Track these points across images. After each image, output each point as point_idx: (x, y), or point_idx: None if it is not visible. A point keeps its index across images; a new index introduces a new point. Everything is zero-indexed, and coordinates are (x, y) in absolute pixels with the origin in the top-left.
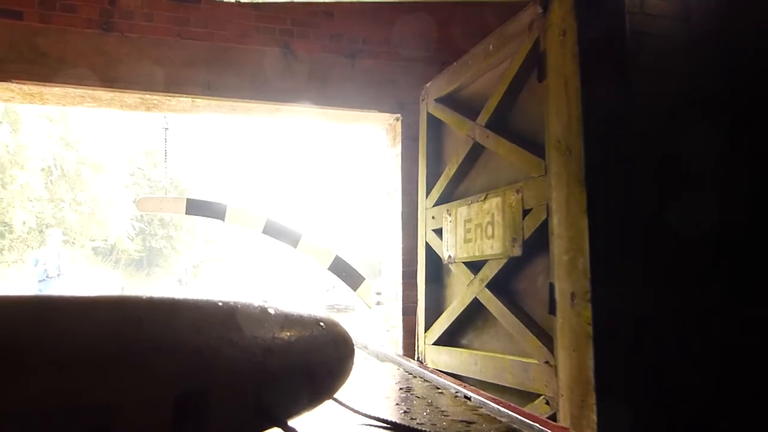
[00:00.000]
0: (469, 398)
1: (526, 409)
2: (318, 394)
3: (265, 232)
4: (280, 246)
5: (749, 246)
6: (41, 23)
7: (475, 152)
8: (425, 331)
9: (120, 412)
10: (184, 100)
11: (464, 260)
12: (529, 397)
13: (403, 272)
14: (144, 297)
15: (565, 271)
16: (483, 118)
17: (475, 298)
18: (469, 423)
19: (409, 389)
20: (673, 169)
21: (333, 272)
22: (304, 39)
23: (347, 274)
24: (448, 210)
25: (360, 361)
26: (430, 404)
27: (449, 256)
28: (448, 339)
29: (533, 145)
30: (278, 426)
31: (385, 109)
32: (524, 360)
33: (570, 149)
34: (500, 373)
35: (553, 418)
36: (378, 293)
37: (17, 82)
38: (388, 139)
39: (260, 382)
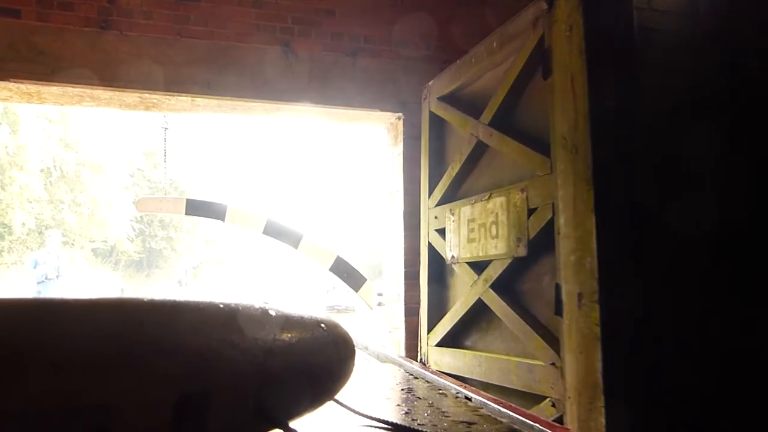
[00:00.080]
0: (470, 399)
1: (531, 412)
2: (319, 396)
3: (265, 232)
4: (281, 247)
5: (751, 245)
6: (39, 21)
7: (479, 151)
8: (428, 333)
9: (121, 414)
10: (184, 100)
11: (468, 260)
12: (534, 399)
13: (406, 273)
14: (145, 299)
15: (572, 271)
16: (486, 116)
17: (479, 298)
18: (470, 424)
19: (410, 390)
20: (678, 167)
21: (334, 273)
22: (305, 37)
23: (349, 275)
24: (451, 210)
25: (360, 362)
26: (431, 405)
27: (452, 257)
28: (452, 340)
29: (538, 143)
30: (279, 427)
31: (386, 108)
32: (530, 362)
33: (576, 147)
34: (505, 375)
35: (560, 420)
36: (379, 294)
37: (15, 81)
38: (390, 138)
39: (261, 383)
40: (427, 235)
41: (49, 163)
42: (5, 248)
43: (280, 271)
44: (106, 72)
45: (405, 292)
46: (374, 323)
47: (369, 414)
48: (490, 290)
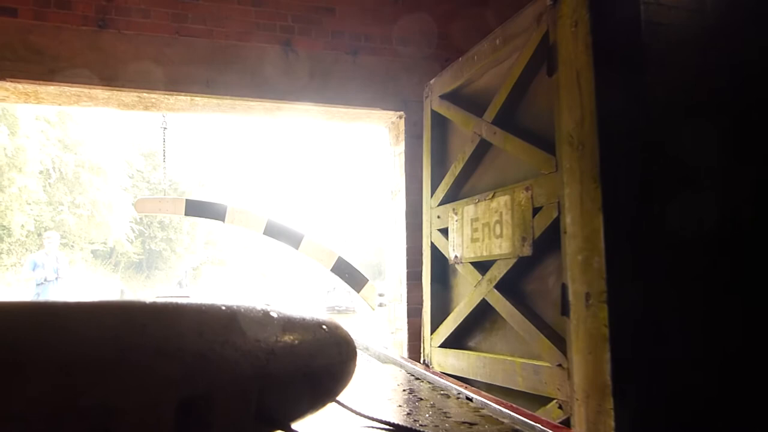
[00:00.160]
0: (471, 399)
1: (538, 414)
2: (321, 397)
3: (266, 233)
4: (281, 248)
5: (757, 244)
6: (36, 20)
7: (482, 149)
8: (431, 334)
9: (123, 416)
10: (183, 99)
11: (471, 260)
12: (540, 401)
13: (408, 273)
14: (147, 302)
15: (579, 270)
16: (490, 114)
17: (483, 299)
18: (472, 424)
19: (411, 391)
20: (684, 164)
21: (336, 273)
22: (305, 36)
23: (350, 276)
24: (454, 209)
25: (361, 363)
26: (432, 406)
27: (456, 257)
28: (455, 341)
29: (543, 141)
30: (281, 429)
31: (387, 107)
32: (535, 363)
33: (583, 144)
34: (510, 376)
35: (567, 422)
36: (380, 294)
37: (11, 81)
38: (391, 137)
39: (263, 385)
40: (429, 235)
41: (48, 164)
42: (4, 250)
43: (279, 272)
44: (104, 71)
45: (407, 292)
46: (375, 324)
47: (370, 415)
48: (495, 290)
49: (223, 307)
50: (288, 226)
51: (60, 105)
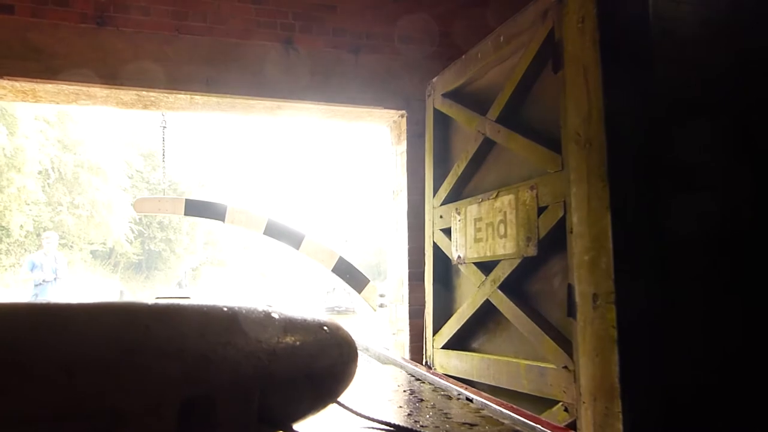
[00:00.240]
0: (471, 400)
1: (543, 417)
2: (322, 398)
3: (266, 233)
4: (280, 248)
5: (761, 243)
6: (33, 18)
7: (486, 148)
8: (434, 335)
9: (125, 418)
10: (183, 97)
11: (475, 260)
12: (546, 403)
13: (410, 274)
14: (150, 303)
15: (587, 271)
16: (494, 112)
17: (487, 299)
18: (472, 425)
19: (411, 392)
20: (693, 162)
21: (337, 274)
22: (306, 33)
23: (351, 276)
24: (457, 209)
25: (361, 364)
26: (432, 407)
27: (459, 257)
28: (458, 343)
29: (548, 139)
30: (283, 430)
31: (389, 106)
32: (541, 365)
33: (590, 142)
34: (515, 378)
35: (573, 425)
36: (381, 295)
37: (9, 79)
38: (393, 136)
39: (265, 386)
40: (432, 235)
41: (47, 164)
42: (3, 251)
43: (279, 272)
44: (103, 69)
45: (409, 293)
46: (376, 325)
47: (371, 416)
48: (499, 291)
49: (225, 308)
50: (289, 226)
51: (58, 104)
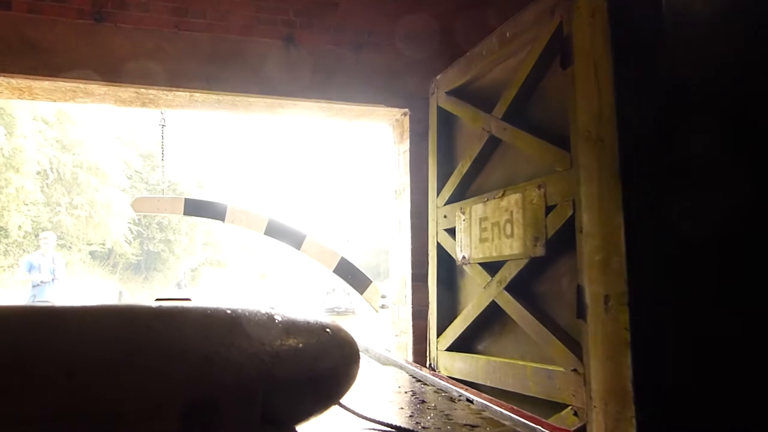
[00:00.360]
0: (471, 401)
1: (551, 421)
2: (325, 400)
3: (267, 233)
4: (280, 249)
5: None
6: (30, 13)
7: (491, 146)
8: (437, 337)
9: (128, 419)
10: (182, 95)
11: (480, 261)
12: (554, 407)
13: (413, 274)
14: (153, 305)
15: (598, 272)
16: (500, 110)
17: (493, 301)
18: (473, 427)
19: (413, 393)
20: (708, 159)
21: (339, 275)
22: (307, 30)
23: (353, 277)
24: (461, 208)
25: (362, 365)
26: (433, 408)
27: (463, 257)
28: (463, 345)
29: (556, 137)
30: None
31: (391, 104)
32: (549, 367)
33: (602, 139)
34: (521, 381)
35: (583, 430)
36: (383, 296)
37: (5, 76)
38: (395, 135)
39: (268, 388)
40: (435, 235)
41: (45, 165)
42: (1, 251)
43: (278, 273)
44: (101, 66)
45: (412, 294)
46: (376, 326)
47: (373, 417)
48: (505, 292)
49: (228, 311)
50: (290, 226)
51: (55, 101)
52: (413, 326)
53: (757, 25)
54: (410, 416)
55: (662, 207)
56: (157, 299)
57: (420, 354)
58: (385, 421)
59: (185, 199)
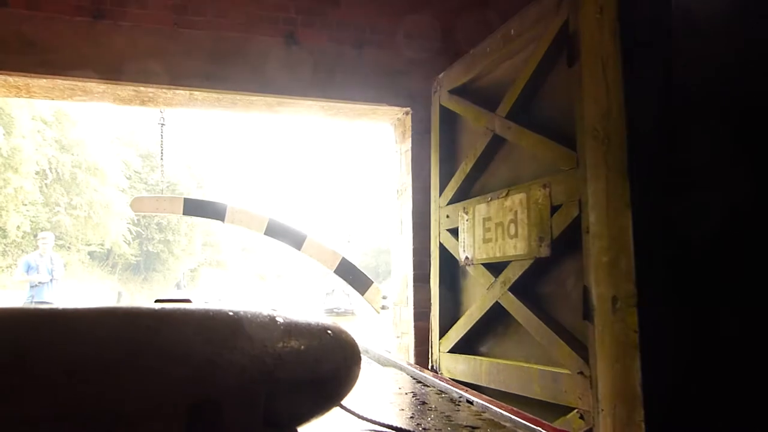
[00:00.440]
0: (471, 403)
1: (557, 424)
2: (326, 401)
3: (267, 233)
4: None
5: None
6: (28, 10)
7: (495, 145)
8: (440, 338)
9: (131, 421)
10: (182, 93)
11: (483, 261)
12: (560, 410)
13: (414, 275)
14: (155, 307)
15: (605, 273)
16: (504, 108)
17: (497, 302)
18: (474, 428)
19: (413, 394)
20: (716, 158)
21: (339, 275)
22: (308, 28)
23: (354, 278)
24: (464, 208)
25: (362, 366)
26: (434, 409)
27: (466, 258)
28: (466, 346)
29: (562, 135)
30: None
31: (393, 103)
32: (554, 370)
33: (609, 138)
34: (526, 384)
35: None
36: (384, 297)
37: (2, 73)
38: (397, 134)
39: (270, 390)
40: (438, 236)
41: (44, 165)
42: (0, 251)
43: (278, 273)
44: (100, 64)
45: (414, 295)
46: (376, 327)
47: (373, 418)
48: (509, 293)
49: (231, 313)
50: (290, 226)
51: (53, 99)
52: (415, 328)
53: (764, 21)
54: (411, 417)
55: (670, 206)
56: (156, 300)
57: (422, 356)
58: (386, 423)
59: (185, 198)
